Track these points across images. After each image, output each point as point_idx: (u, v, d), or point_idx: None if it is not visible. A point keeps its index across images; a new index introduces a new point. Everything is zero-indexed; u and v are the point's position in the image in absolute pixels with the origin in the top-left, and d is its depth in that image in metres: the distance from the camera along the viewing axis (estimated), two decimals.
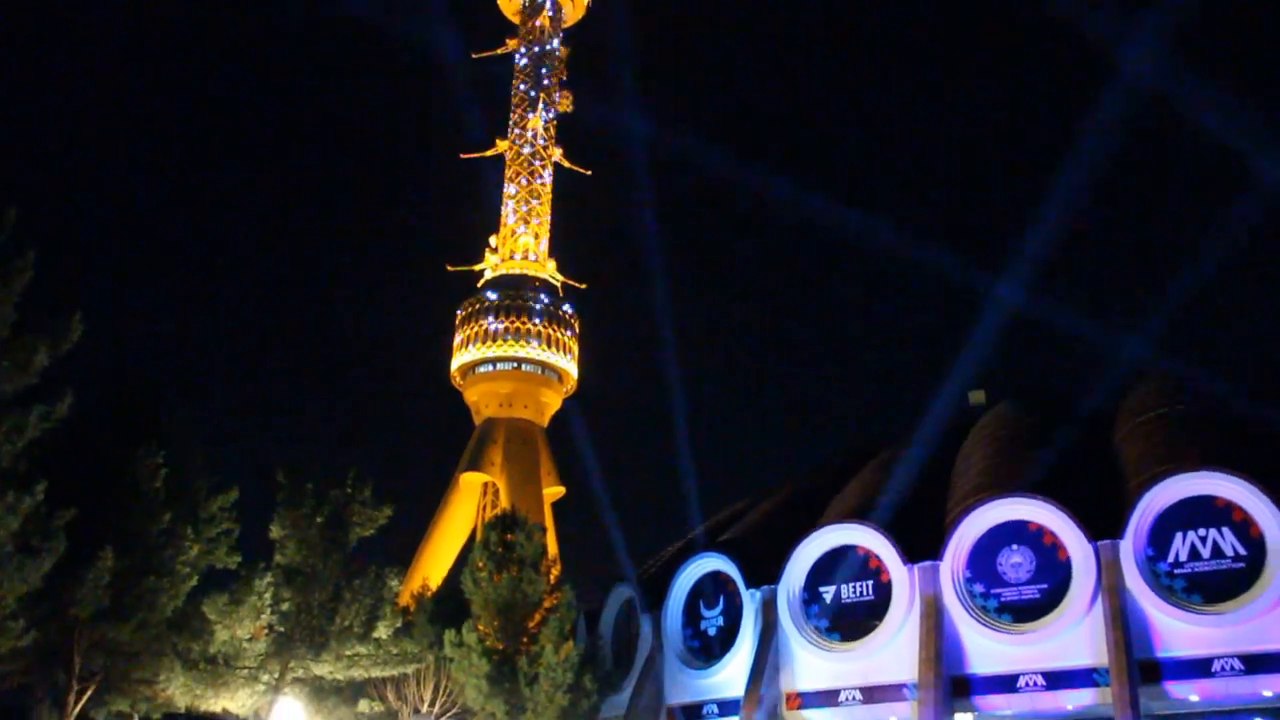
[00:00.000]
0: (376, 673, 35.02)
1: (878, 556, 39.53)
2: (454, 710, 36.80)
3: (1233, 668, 33.90)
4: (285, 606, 32.80)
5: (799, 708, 39.68)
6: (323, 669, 33.56)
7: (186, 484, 30.26)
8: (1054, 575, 36.88)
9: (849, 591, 39.97)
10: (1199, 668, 34.36)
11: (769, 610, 40.92)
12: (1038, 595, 37.00)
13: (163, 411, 31.37)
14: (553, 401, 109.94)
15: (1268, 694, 34.45)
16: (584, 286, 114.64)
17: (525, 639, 41.35)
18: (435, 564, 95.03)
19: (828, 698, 39.13)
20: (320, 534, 33.78)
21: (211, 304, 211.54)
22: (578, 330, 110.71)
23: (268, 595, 32.15)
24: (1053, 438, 43.24)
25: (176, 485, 29.65)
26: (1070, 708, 36.61)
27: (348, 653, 33.57)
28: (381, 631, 34.27)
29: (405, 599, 44.77)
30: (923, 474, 43.96)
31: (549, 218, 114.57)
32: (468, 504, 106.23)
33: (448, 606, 43.04)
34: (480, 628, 40.21)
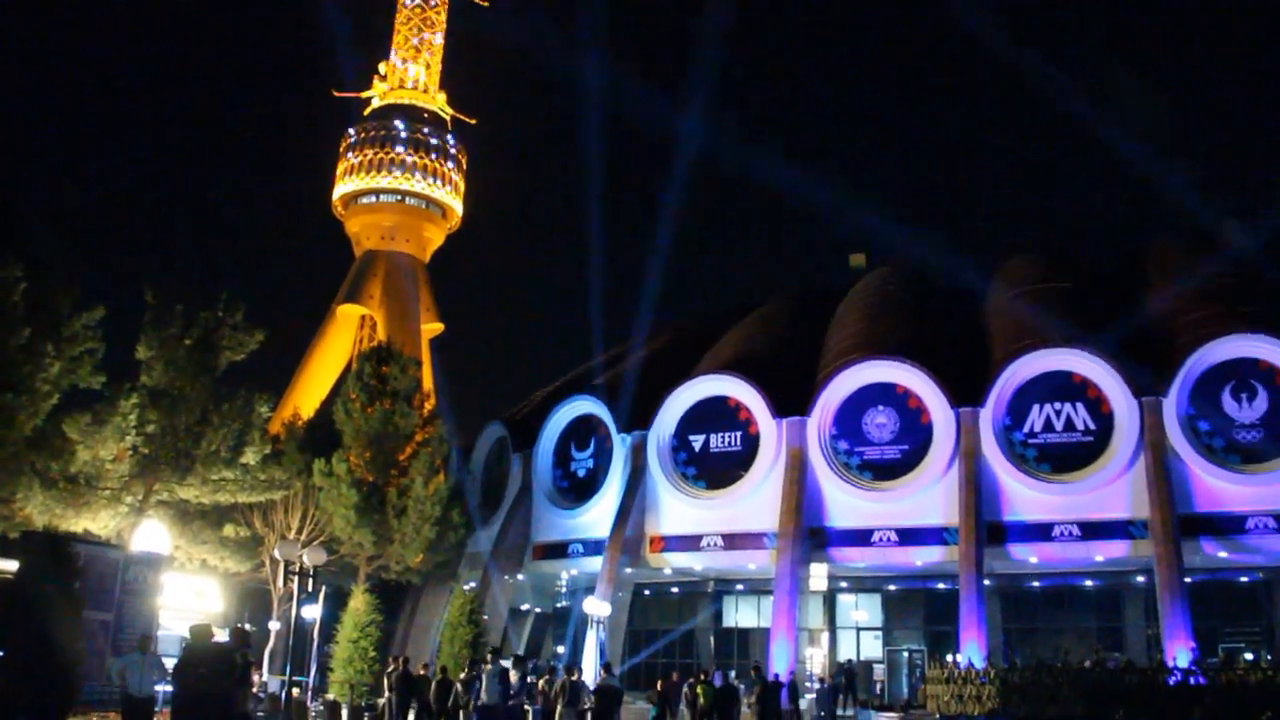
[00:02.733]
0: (243, 498, 34.72)
1: (748, 408, 40.31)
2: (321, 539, 36.85)
3: (1071, 534, 35.75)
4: (150, 428, 32.10)
5: (662, 550, 40.77)
6: (188, 492, 33.16)
7: (49, 300, 29.13)
8: (915, 437, 38.12)
9: (718, 441, 40.81)
10: (1041, 532, 36.15)
11: (638, 455, 41.63)
12: (898, 455, 38.25)
13: (24, 224, 29.97)
14: (436, 237, 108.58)
15: (1099, 559, 36.57)
16: (474, 121, 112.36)
17: (395, 471, 41.50)
18: (308, 394, 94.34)
19: (690, 542, 40.23)
20: (189, 356, 32.93)
21: (86, 119, 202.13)
22: (464, 166, 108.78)
23: (132, 417, 31.36)
24: (927, 305, 44.25)
25: (38, 300, 28.53)
26: (919, 563, 38.32)
27: (214, 477, 33.18)
28: (249, 457, 33.87)
29: (276, 427, 44.39)
30: (798, 331, 44.70)
31: (441, 48, 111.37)
32: (344, 336, 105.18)
33: (319, 436, 42.85)
34: (350, 458, 40.18)
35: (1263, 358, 35.51)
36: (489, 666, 24.54)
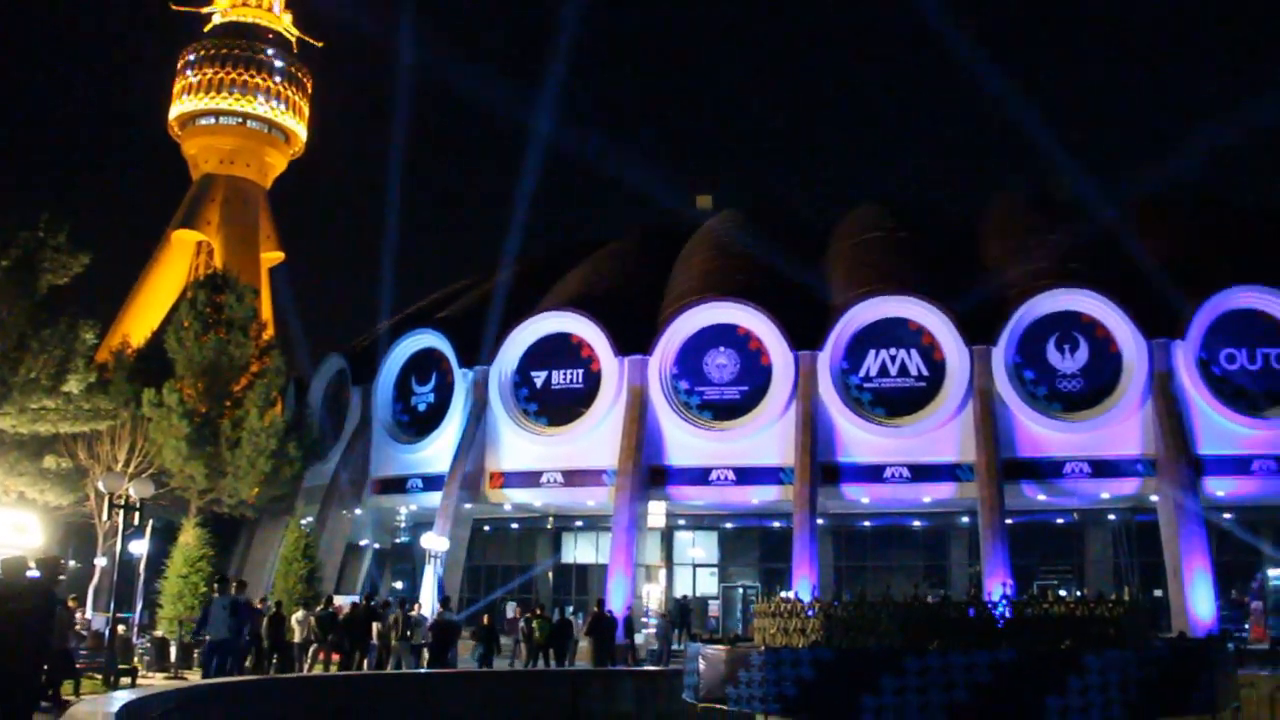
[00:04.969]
0: (65, 428, 33.39)
1: (590, 346, 40.31)
2: (149, 471, 35.72)
3: (901, 475, 36.90)
4: None
5: (501, 486, 40.67)
6: (4, 421, 31.62)
7: None
8: (755, 379, 38.68)
9: (559, 378, 40.76)
10: (873, 473, 37.22)
11: (480, 390, 41.31)
12: (738, 396, 38.79)
13: None
14: (278, 163, 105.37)
15: (927, 500, 37.94)
16: (320, 44, 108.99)
17: (229, 403, 40.45)
18: (140, 322, 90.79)
19: (530, 478, 40.17)
20: (5, 278, 31.20)
21: None
22: (309, 90, 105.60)
23: None
24: (772, 248, 44.77)
25: None
26: (755, 502, 39.06)
27: (33, 405, 31.70)
28: (72, 385, 32.47)
29: (105, 355, 42.80)
30: (643, 270, 44.81)
31: None
32: (180, 262, 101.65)
33: (150, 365, 41.35)
34: (182, 389, 38.95)
35: (1085, 311, 37.08)
36: (217, 598, 22.25)
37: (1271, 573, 38.39)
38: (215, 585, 23.98)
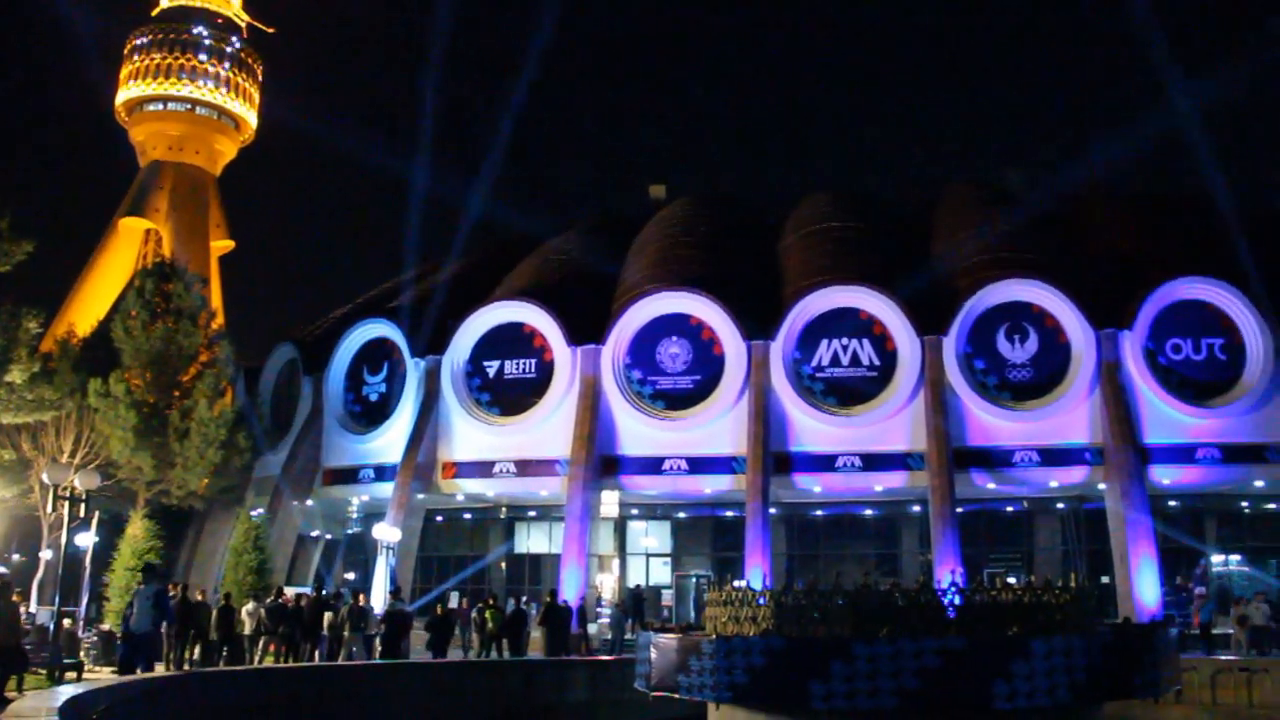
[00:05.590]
0: (8, 419, 32.88)
1: (543, 335, 40.21)
2: (96, 462, 35.23)
3: (853, 464, 37.12)
4: None
5: (454, 476, 40.50)
6: None
7: None
8: (708, 368, 38.74)
9: (512, 367, 40.63)
10: (825, 462, 37.39)
11: (432, 380, 41.11)
12: (691, 386, 38.84)
13: None
14: (228, 150, 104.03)
15: (879, 488, 38.15)
16: (271, 30, 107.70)
17: (178, 393, 39.99)
18: (86, 311, 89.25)
19: (482, 469, 40.06)
20: None
21: None
22: (260, 76, 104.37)
23: None
24: (725, 238, 44.85)
25: None
26: (708, 491, 39.11)
27: None
28: (15, 375, 31.93)
29: (50, 345, 42.17)
30: (596, 260, 44.71)
31: None
32: (127, 251, 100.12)
33: (96, 355, 40.81)
34: (129, 378, 38.47)
35: (1035, 301, 37.44)
36: (142, 588, 20.98)
37: (1215, 559, 39.03)
38: (141, 575, 23.04)
